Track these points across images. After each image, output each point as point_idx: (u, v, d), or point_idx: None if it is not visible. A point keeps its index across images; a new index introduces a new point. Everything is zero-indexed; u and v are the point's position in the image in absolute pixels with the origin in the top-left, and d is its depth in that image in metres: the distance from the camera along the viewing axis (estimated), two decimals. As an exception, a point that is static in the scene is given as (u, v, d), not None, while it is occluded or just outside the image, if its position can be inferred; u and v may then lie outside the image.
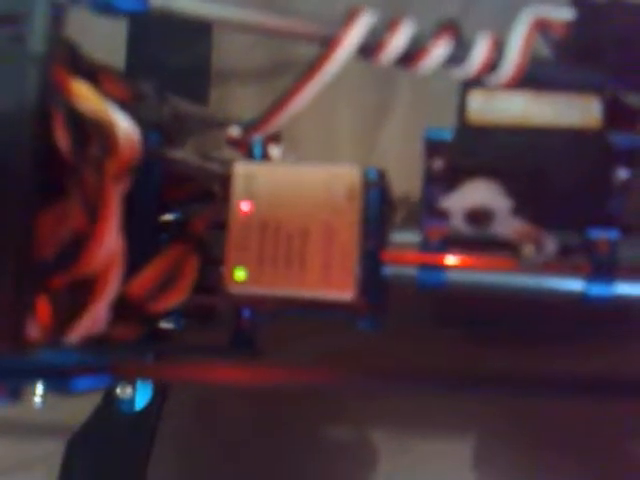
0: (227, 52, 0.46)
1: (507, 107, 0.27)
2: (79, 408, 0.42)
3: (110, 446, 0.42)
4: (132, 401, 0.41)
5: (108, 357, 0.23)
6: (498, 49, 0.20)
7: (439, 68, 0.20)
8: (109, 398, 0.41)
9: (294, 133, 0.44)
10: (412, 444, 0.40)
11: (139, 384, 0.41)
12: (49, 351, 0.20)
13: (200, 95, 0.46)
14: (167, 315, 0.32)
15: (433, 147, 0.28)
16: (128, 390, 0.40)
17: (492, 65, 0.20)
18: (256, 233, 0.28)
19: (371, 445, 0.41)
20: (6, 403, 0.20)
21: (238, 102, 0.47)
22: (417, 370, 0.25)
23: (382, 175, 0.31)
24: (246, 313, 0.32)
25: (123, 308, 0.25)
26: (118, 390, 0.40)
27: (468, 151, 0.27)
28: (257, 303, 0.30)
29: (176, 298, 0.27)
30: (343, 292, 0.28)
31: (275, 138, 0.31)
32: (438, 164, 0.28)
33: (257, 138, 0.31)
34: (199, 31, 0.48)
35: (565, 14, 0.22)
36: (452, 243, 0.30)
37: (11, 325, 0.20)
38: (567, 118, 0.27)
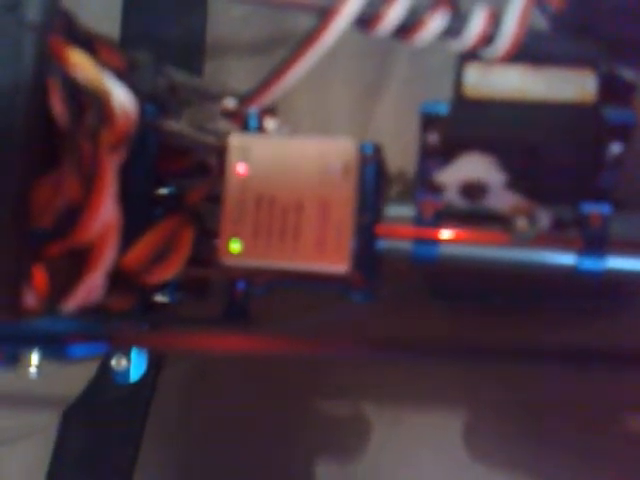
0: (222, 24, 0.46)
1: (503, 81, 0.27)
2: (76, 380, 0.42)
3: (105, 417, 0.43)
4: (127, 373, 0.42)
5: (104, 325, 0.23)
6: (495, 22, 0.20)
7: (436, 40, 0.20)
8: (104, 370, 0.41)
9: (288, 108, 0.44)
10: (404, 416, 0.41)
11: (134, 356, 0.41)
12: (46, 319, 0.21)
13: (194, 67, 0.46)
14: (162, 287, 0.32)
15: (429, 121, 0.28)
16: (123, 362, 0.40)
17: (489, 38, 0.21)
18: (251, 205, 0.28)
19: (363, 416, 0.41)
20: (4, 369, 0.21)
21: (233, 75, 0.47)
22: (408, 339, 0.25)
23: (378, 149, 0.31)
24: (240, 285, 0.32)
25: (119, 279, 0.26)
26: (113, 362, 0.40)
27: (464, 125, 0.27)
28: (251, 275, 0.31)
29: (171, 270, 0.28)
30: (337, 265, 0.28)
31: (271, 111, 0.31)
32: (433, 138, 0.28)
33: (252, 111, 0.31)
34: (194, 2, 0.48)
35: (562, -13, 0.22)
36: (446, 217, 0.31)
37: (8, 293, 0.20)
38: (562, 92, 0.27)
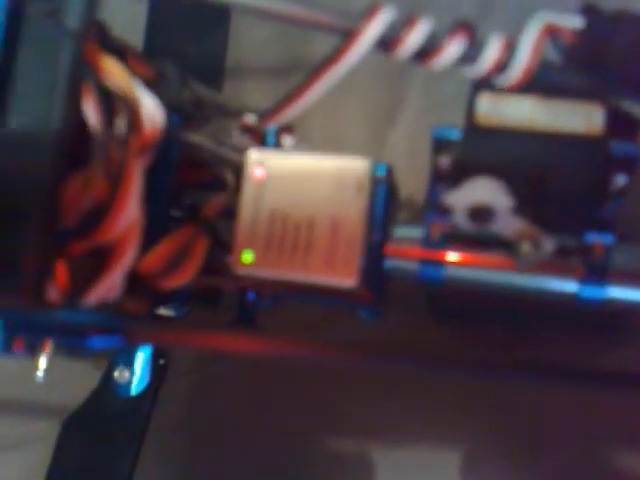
0: (244, 45, 0.47)
1: (514, 110, 0.28)
2: (79, 389, 0.43)
3: (104, 429, 0.43)
4: (129, 385, 0.42)
5: (121, 319, 0.24)
6: (509, 51, 0.22)
7: (452, 65, 0.21)
8: (106, 381, 0.42)
9: (304, 128, 0.45)
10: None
11: (137, 369, 0.42)
12: (66, 311, 0.21)
13: (214, 85, 0.47)
14: (173, 296, 0.33)
15: (441, 145, 0.29)
16: (126, 374, 0.41)
17: (502, 66, 0.22)
18: (265, 218, 0.29)
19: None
20: (24, 356, 0.21)
21: (250, 96, 0.48)
22: (401, 348, 0.26)
23: (390, 171, 0.32)
24: (251, 296, 0.33)
25: (135, 282, 0.26)
26: (116, 373, 0.41)
27: (474, 151, 0.28)
28: (262, 286, 0.31)
29: (184, 277, 0.28)
30: (346, 280, 0.29)
31: (288, 128, 0.33)
32: (445, 162, 0.29)
33: (271, 127, 0.32)
34: (217, 21, 0.49)
35: (575, 22, 0.23)
36: (453, 240, 0.31)
37: (33, 287, 0.21)
38: (571, 124, 0.28)
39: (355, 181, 0.29)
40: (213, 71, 0.48)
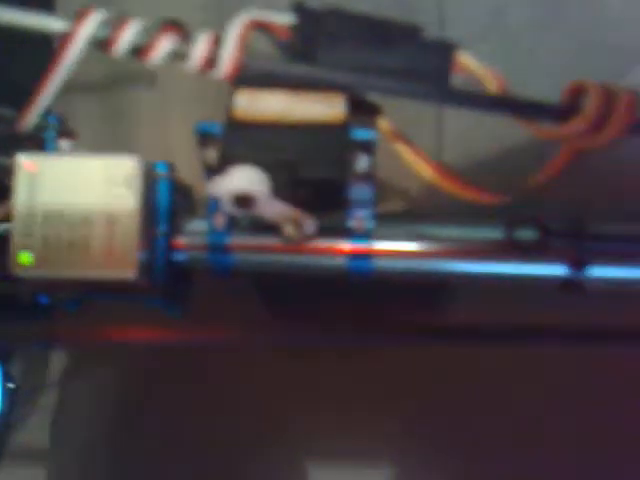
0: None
1: (267, 105, 0.31)
2: None
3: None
4: None
5: None
6: (216, 46, 0.24)
7: (167, 61, 0.24)
8: None
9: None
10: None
11: None
12: None
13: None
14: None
15: (205, 140, 0.31)
16: None
17: (212, 61, 0.24)
18: (40, 220, 0.30)
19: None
20: None
21: (77, 113, 0.49)
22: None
23: (171, 168, 0.34)
24: (43, 299, 0.34)
25: None
26: None
27: (235, 144, 0.31)
28: (48, 287, 0.32)
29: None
30: (125, 272, 0.31)
31: (67, 133, 0.34)
32: (211, 155, 0.31)
33: (49, 134, 0.33)
34: (40, 43, 0.50)
35: (284, 18, 0.26)
36: (239, 228, 0.34)
37: None
38: (316, 114, 0.31)
39: (124, 178, 0.31)
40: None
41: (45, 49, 0.49)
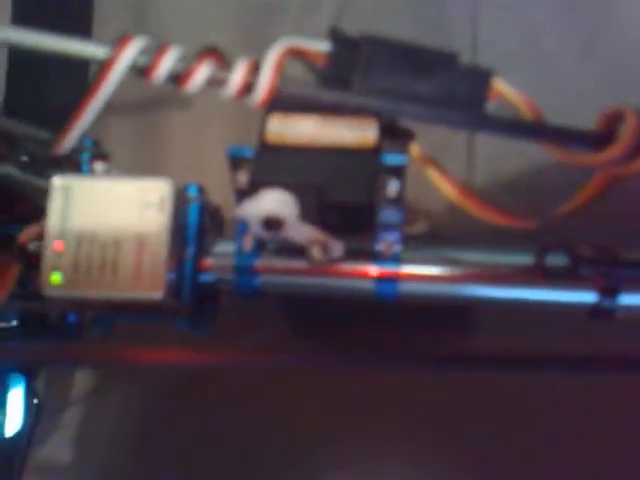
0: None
1: (299, 129, 0.31)
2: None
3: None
4: (1, 426, 0.42)
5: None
6: (254, 73, 0.24)
7: (205, 87, 0.24)
8: None
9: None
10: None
11: (9, 411, 0.42)
12: None
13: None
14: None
15: (236, 163, 0.31)
16: None
17: (249, 86, 0.24)
18: (72, 240, 0.31)
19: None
20: None
21: (113, 136, 0.50)
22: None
23: (202, 190, 0.34)
24: (71, 318, 0.34)
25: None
26: None
27: (266, 167, 0.31)
28: (76, 307, 0.33)
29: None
30: (153, 293, 0.31)
31: (102, 156, 0.34)
32: (242, 178, 0.32)
33: (84, 156, 0.34)
34: (76, 66, 0.51)
35: (321, 45, 0.26)
36: (267, 250, 0.34)
37: None
38: (347, 138, 0.31)
39: (156, 201, 0.31)
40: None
41: (80, 73, 0.50)
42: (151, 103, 0.52)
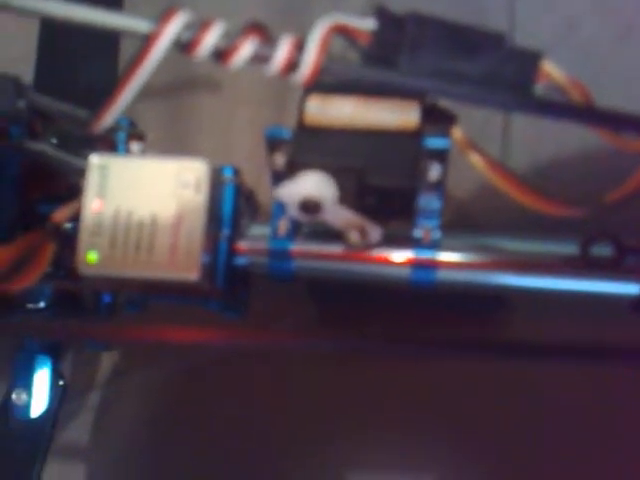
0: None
1: (338, 111, 0.30)
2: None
3: (4, 450, 0.43)
4: (27, 408, 0.43)
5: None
6: (298, 50, 0.24)
7: (249, 65, 0.23)
8: (6, 404, 0.42)
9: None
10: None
11: (35, 391, 0.42)
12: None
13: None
14: (33, 298, 0.34)
15: (274, 145, 0.31)
16: (24, 397, 0.41)
17: (293, 64, 0.23)
18: (108, 218, 0.30)
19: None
20: None
21: (142, 117, 0.50)
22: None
23: (237, 173, 0.34)
24: (106, 298, 0.34)
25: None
26: (14, 396, 0.41)
27: (304, 149, 0.30)
28: (111, 286, 0.33)
29: (27, 279, 0.29)
30: (188, 274, 0.30)
31: (137, 136, 0.34)
32: (279, 160, 0.31)
33: (120, 135, 0.33)
34: (106, 47, 0.50)
35: (366, 23, 0.26)
36: (301, 234, 0.33)
37: None
38: (388, 120, 0.30)
39: (194, 181, 0.31)
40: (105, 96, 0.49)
41: (111, 51, 0.50)
42: (179, 85, 0.52)
